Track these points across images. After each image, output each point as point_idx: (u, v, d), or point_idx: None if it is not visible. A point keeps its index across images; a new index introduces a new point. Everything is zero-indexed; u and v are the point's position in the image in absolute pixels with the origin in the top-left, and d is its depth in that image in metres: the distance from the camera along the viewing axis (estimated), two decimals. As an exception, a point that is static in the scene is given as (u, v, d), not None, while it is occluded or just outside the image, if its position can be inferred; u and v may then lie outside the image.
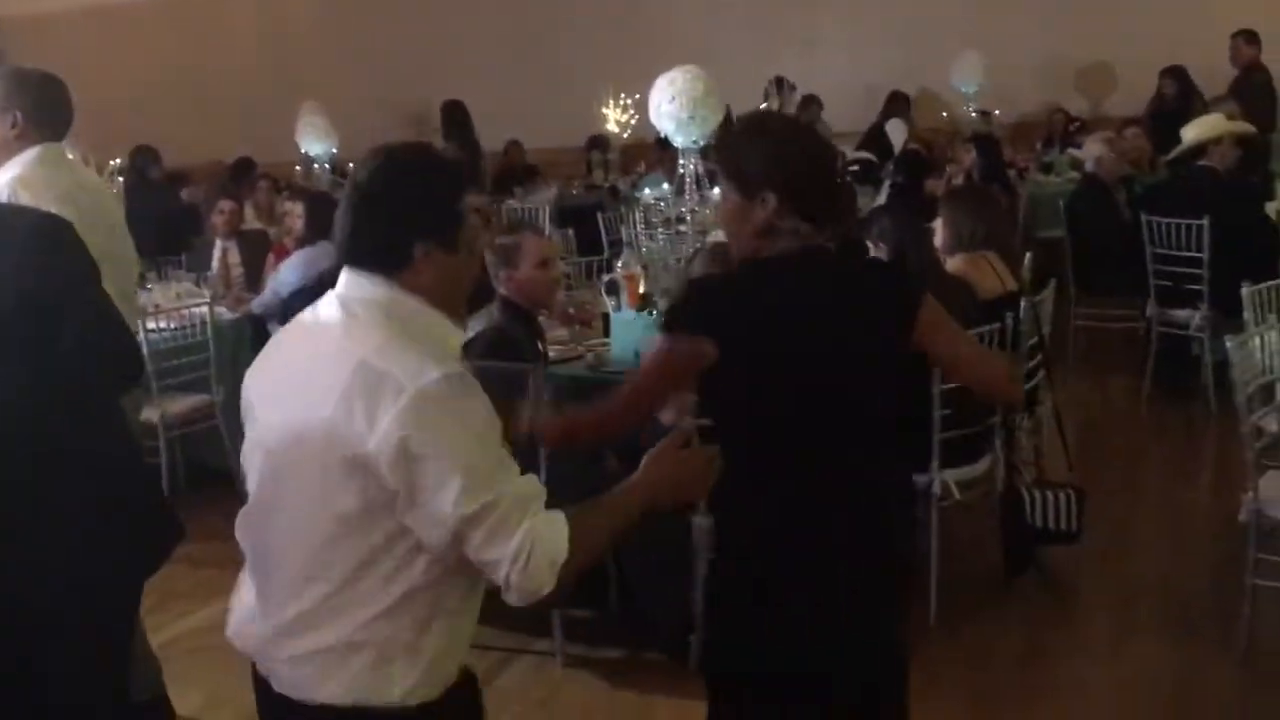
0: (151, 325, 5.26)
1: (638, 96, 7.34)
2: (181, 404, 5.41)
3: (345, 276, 1.87)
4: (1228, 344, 3.62)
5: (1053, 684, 3.67)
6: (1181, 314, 6.07)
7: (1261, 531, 3.56)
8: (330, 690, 1.81)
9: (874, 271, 2.60)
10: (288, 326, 1.98)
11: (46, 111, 3.29)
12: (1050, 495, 4.04)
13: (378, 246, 1.84)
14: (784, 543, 2.17)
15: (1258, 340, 3.79)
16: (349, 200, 1.87)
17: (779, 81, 7.44)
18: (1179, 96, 8.76)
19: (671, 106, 4.99)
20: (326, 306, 1.88)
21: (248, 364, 6.70)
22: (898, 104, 9.69)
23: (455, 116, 10.10)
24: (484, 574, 1.78)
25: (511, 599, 1.77)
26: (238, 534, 1.99)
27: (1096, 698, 3.59)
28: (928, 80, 10.35)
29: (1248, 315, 4.34)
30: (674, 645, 3.80)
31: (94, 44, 12.26)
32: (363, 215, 1.85)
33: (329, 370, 1.76)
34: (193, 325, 5.40)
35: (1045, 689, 3.65)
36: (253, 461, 1.94)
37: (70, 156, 3.55)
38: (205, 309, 5.46)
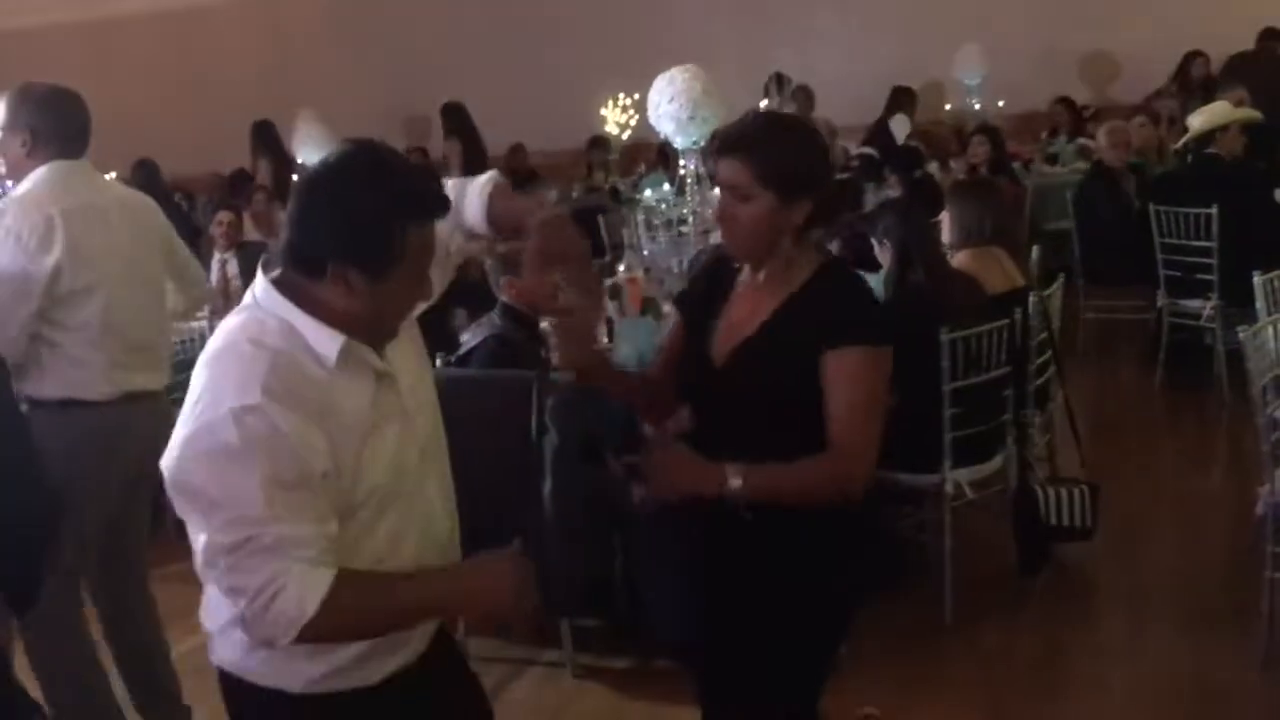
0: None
1: (637, 96, 7.28)
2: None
3: (264, 287, 1.77)
4: (1240, 335, 3.57)
5: (1070, 683, 3.63)
6: (1193, 304, 6.02)
7: (1278, 524, 3.50)
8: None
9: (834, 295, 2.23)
10: None
11: (57, 127, 3.17)
12: (1064, 492, 4.00)
13: (298, 246, 1.72)
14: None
15: (1271, 330, 3.72)
16: (294, 186, 1.80)
17: (778, 78, 7.39)
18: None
19: (671, 107, 4.95)
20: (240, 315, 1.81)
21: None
22: (902, 98, 9.62)
23: (457, 118, 10.04)
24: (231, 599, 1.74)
25: (248, 634, 1.74)
26: None
27: (1114, 696, 3.55)
28: (929, 73, 10.29)
29: (1260, 305, 4.28)
30: (684, 653, 3.77)
31: (87, 57, 12.20)
32: (298, 211, 1.72)
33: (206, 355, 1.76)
34: (191, 340, 5.35)
35: (1062, 688, 3.61)
36: None
37: (99, 175, 3.40)
38: (205, 323, 5.41)
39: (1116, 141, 6.88)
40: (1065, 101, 9.61)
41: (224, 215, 6.66)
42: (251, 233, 7.35)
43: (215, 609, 1.88)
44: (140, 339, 3.26)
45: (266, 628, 1.69)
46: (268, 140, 9.73)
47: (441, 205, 1.77)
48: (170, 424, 1.76)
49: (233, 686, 1.92)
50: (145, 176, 8.60)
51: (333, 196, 1.70)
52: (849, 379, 2.08)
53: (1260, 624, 3.56)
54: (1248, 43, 8.39)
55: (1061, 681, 3.64)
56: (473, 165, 9.06)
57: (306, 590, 1.67)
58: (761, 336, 2.16)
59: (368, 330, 1.76)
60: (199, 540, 1.71)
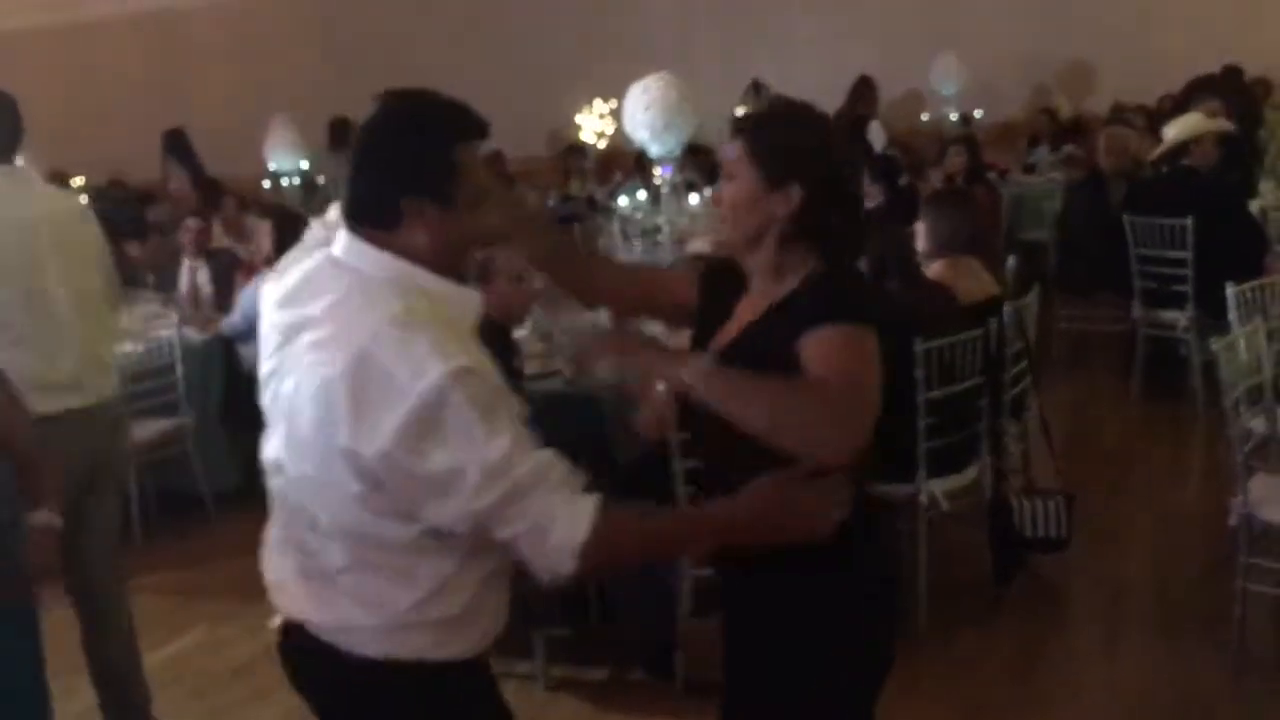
0: (118, 348, 5.15)
1: (614, 104, 7.28)
2: (150, 429, 5.28)
3: (345, 240, 1.79)
4: (1214, 346, 3.58)
5: (1044, 692, 3.64)
6: (1168, 315, 6.04)
7: (1252, 535, 3.51)
8: None
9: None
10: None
11: None
12: (1039, 503, 4.00)
13: (368, 204, 1.77)
14: None
15: (1244, 342, 3.74)
16: (350, 155, 1.82)
17: (755, 85, 7.40)
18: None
19: (646, 115, 4.94)
20: (325, 271, 1.78)
21: (218, 387, 6.57)
22: (864, 89, 9.63)
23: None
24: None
25: (534, 571, 1.75)
26: None
27: (1088, 705, 3.55)
28: (907, 82, 10.33)
29: (1233, 316, 4.30)
30: (657, 664, 3.74)
31: (59, 61, 12.15)
32: (355, 170, 1.79)
33: (327, 351, 1.69)
34: (160, 347, 5.29)
35: (1036, 697, 3.61)
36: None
37: (30, 183, 3.33)
38: (173, 331, 5.36)
39: (1114, 148, 6.89)
40: (1047, 111, 9.67)
41: (193, 222, 6.61)
42: (221, 239, 7.30)
43: (386, 600, 1.81)
44: (57, 357, 3.12)
45: (549, 561, 1.72)
46: (180, 149, 9.67)
47: (480, 126, 1.85)
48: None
49: (392, 674, 1.84)
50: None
51: (390, 139, 1.78)
52: (825, 355, 1.88)
53: (1232, 632, 3.56)
54: (1224, 54, 8.49)
55: (1036, 690, 3.64)
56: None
57: (575, 516, 1.71)
58: (742, 337, 2.05)
59: (449, 265, 1.81)
60: (458, 523, 1.71)
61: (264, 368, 1.85)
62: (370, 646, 1.81)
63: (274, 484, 1.89)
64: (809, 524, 1.82)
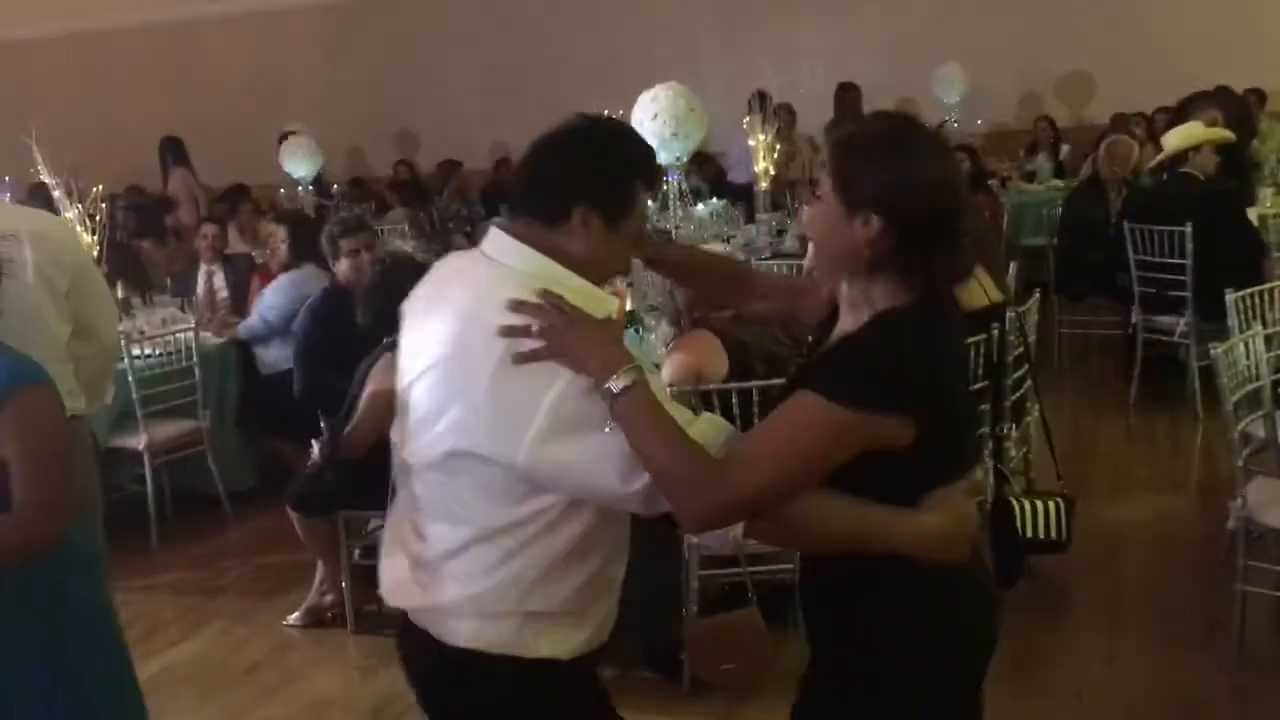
0: (136, 351, 5.23)
1: (621, 113, 7.34)
2: (167, 430, 5.37)
3: (495, 237, 1.88)
4: (1213, 351, 3.63)
5: (1044, 694, 3.66)
6: (1166, 320, 6.10)
7: (1250, 538, 3.56)
8: None
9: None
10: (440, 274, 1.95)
11: None
12: (1040, 505, 4.02)
13: (542, 195, 1.86)
14: None
15: (1243, 347, 3.80)
16: (532, 147, 1.90)
17: (761, 95, 7.47)
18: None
19: (654, 124, 5.01)
20: (471, 264, 1.88)
21: (234, 390, 6.65)
22: (847, 96, 9.71)
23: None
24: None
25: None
26: None
27: (1088, 706, 3.58)
28: (909, 91, 10.39)
29: (1232, 321, 4.36)
30: (663, 663, 3.79)
31: (75, 69, 12.23)
32: (540, 162, 1.87)
33: (478, 349, 1.75)
34: (178, 351, 5.38)
35: (1037, 699, 3.63)
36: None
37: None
38: (190, 334, 5.44)
39: (1115, 155, 6.95)
40: (1047, 120, 9.75)
41: (208, 228, 6.69)
42: (237, 244, 7.38)
43: (498, 596, 1.85)
44: None
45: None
46: (178, 155, 9.77)
47: (657, 184, 1.99)
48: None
49: (487, 666, 1.87)
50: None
51: (588, 149, 1.88)
52: (780, 413, 1.77)
53: (1231, 635, 3.61)
54: (1221, 65, 8.55)
55: (1036, 692, 3.66)
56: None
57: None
58: (797, 372, 1.95)
59: (595, 279, 1.90)
60: (618, 505, 1.78)
61: (416, 363, 1.87)
62: (464, 635, 1.86)
63: (399, 473, 1.97)
64: (956, 545, 1.81)
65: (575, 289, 1.81)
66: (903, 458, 1.74)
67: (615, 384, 1.70)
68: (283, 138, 9.61)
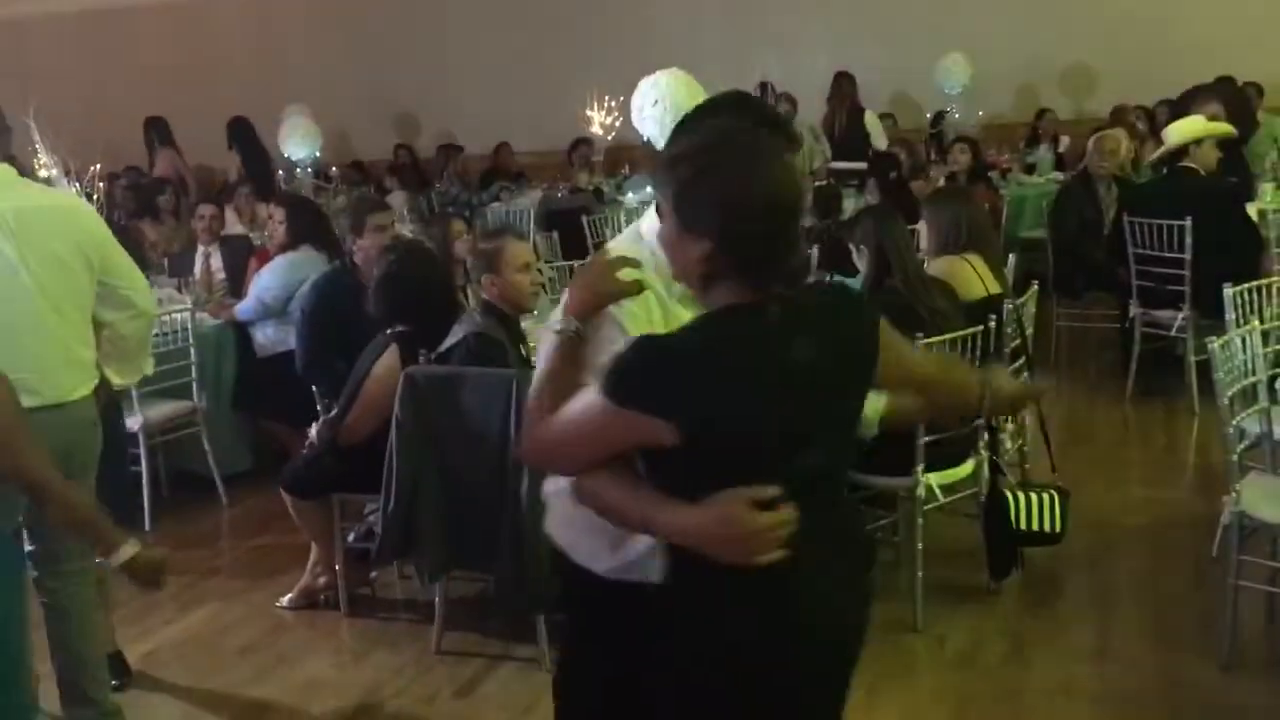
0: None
1: (621, 99, 7.33)
2: (163, 410, 5.37)
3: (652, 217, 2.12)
4: (1209, 345, 3.63)
5: (1036, 686, 3.67)
6: (1164, 315, 6.10)
7: (1243, 533, 3.56)
8: None
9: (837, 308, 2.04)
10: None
11: None
12: (1034, 497, 4.04)
13: (683, 203, 1.87)
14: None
15: (1240, 341, 3.80)
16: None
17: (763, 86, 7.44)
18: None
19: (654, 110, 4.98)
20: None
21: (230, 371, 6.63)
22: (842, 85, 9.70)
23: (240, 132, 9.83)
24: None
25: None
26: None
27: (1080, 700, 3.59)
28: (911, 82, 10.39)
29: (1230, 316, 4.35)
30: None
31: (78, 48, 12.18)
32: (691, 181, 1.86)
33: None
34: (174, 331, 5.36)
35: (1029, 691, 3.65)
36: None
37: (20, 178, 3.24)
38: (187, 315, 5.43)
39: (1103, 150, 6.94)
40: (1048, 112, 9.74)
41: (206, 209, 6.66)
42: (234, 226, 7.36)
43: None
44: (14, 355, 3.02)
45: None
46: (164, 135, 9.77)
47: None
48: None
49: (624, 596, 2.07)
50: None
51: (728, 188, 1.83)
52: (568, 408, 1.87)
53: (1224, 629, 3.62)
54: (1221, 58, 8.54)
55: (1028, 684, 3.68)
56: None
57: None
58: None
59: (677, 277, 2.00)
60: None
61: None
62: (599, 564, 2.09)
63: None
64: (746, 548, 1.76)
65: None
66: (672, 458, 1.80)
67: (557, 325, 1.97)
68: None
